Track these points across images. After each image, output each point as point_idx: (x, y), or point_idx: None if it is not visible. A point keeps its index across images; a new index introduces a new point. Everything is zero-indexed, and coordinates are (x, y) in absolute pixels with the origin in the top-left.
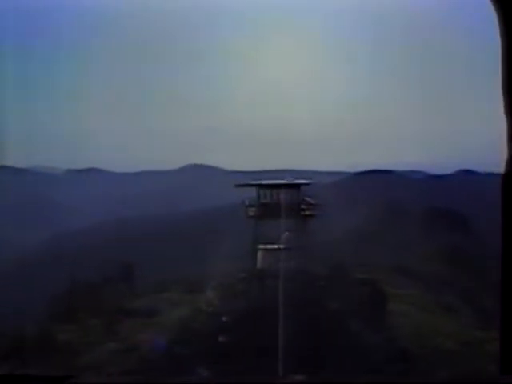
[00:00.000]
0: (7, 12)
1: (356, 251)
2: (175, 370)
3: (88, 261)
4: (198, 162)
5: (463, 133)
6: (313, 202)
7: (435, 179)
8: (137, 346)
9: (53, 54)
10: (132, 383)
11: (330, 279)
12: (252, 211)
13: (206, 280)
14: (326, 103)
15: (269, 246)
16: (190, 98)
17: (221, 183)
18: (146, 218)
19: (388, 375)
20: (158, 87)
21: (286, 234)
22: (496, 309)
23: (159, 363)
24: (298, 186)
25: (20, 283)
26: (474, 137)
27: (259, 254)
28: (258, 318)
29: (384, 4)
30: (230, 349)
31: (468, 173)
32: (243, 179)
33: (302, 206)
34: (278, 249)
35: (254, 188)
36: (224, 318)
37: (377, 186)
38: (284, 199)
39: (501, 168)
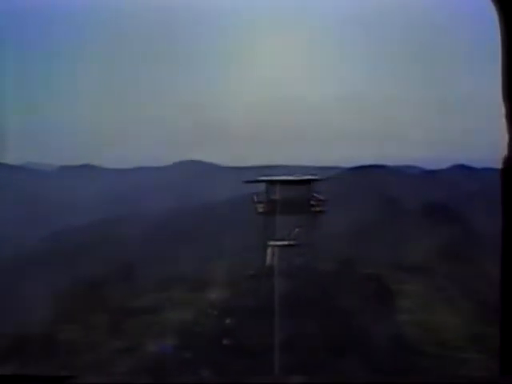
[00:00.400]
0: (7, 11)
1: (361, 247)
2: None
3: (88, 259)
4: (195, 158)
5: (460, 130)
6: (322, 197)
7: (430, 174)
8: (141, 346)
9: (48, 51)
10: (131, 383)
11: (339, 275)
12: (261, 207)
13: (213, 278)
14: (324, 100)
15: (278, 243)
16: (185, 95)
17: (218, 179)
18: (144, 215)
19: (392, 370)
20: (156, 85)
21: (297, 230)
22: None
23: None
24: (308, 181)
25: (19, 282)
26: (471, 133)
27: (269, 250)
28: (267, 315)
29: (384, 3)
30: (236, 346)
31: (463, 168)
32: (239, 175)
33: (312, 202)
34: (289, 245)
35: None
36: (228, 320)
37: (372, 181)
38: (294, 195)
39: (497, 164)
